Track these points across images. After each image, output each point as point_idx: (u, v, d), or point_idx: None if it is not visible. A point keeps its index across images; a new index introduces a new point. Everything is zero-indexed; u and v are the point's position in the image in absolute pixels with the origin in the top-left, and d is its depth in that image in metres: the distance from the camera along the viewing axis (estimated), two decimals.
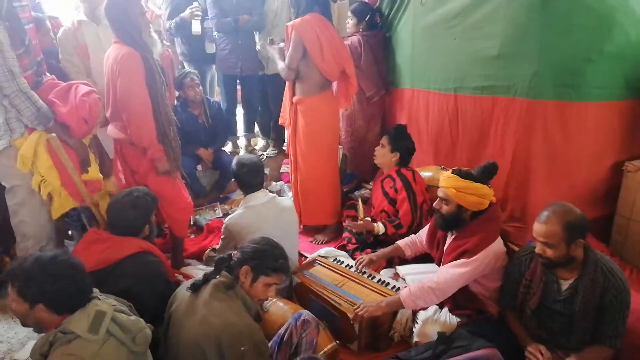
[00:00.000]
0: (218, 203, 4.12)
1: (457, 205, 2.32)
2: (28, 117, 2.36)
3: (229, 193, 4.32)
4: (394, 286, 2.60)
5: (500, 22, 2.78)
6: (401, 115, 3.75)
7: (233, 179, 2.98)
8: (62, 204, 2.61)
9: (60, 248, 2.90)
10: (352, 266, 2.82)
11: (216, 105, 4.23)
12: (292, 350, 2.00)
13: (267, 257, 1.99)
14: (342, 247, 3.24)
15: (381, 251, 2.86)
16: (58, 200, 2.58)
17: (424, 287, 2.28)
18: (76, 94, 2.56)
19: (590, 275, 1.97)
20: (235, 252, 2.06)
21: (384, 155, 3.17)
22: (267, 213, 2.70)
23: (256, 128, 4.96)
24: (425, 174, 3.24)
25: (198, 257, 3.32)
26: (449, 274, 2.29)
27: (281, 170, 4.60)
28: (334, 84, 3.49)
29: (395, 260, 2.92)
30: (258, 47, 4.32)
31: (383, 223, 3.04)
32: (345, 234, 3.30)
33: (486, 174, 2.35)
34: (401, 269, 2.75)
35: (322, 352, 2.05)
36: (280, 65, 3.36)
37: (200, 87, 3.93)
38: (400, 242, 2.86)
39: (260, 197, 2.74)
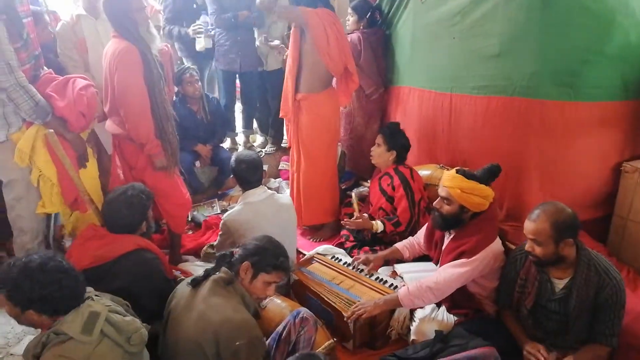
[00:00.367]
0: (216, 199, 4.11)
1: (459, 205, 2.30)
2: (26, 111, 2.34)
3: (227, 189, 4.31)
4: (392, 284, 2.60)
5: (499, 21, 2.78)
6: (397, 113, 3.75)
7: (231, 176, 2.97)
8: (50, 203, 2.58)
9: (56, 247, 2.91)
10: (350, 264, 2.82)
11: (215, 101, 4.22)
12: (290, 347, 2.00)
13: (269, 255, 1.99)
14: (340, 245, 3.24)
15: (379, 253, 2.86)
16: (47, 197, 2.56)
17: (422, 286, 2.28)
18: (74, 88, 2.55)
19: (583, 274, 1.98)
20: (237, 249, 2.06)
21: (380, 155, 3.17)
22: (266, 210, 2.70)
23: (255, 124, 4.95)
24: (424, 172, 3.24)
25: (196, 253, 3.32)
26: (448, 273, 2.28)
27: (280, 167, 4.59)
28: (334, 81, 3.47)
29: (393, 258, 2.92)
30: (257, 43, 4.31)
31: (381, 221, 3.03)
32: (344, 232, 3.30)
33: (490, 176, 2.35)
34: (399, 267, 2.75)
35: (319, 349, 2.05)
36: None
37: (199, 83, 3.93)
38: (399, 245, 2.86)
39: (258, 193, 2.74)
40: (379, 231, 3.02)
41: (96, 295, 1.75)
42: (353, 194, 3.30)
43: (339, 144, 3.90)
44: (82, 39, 3.01)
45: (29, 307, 1.59)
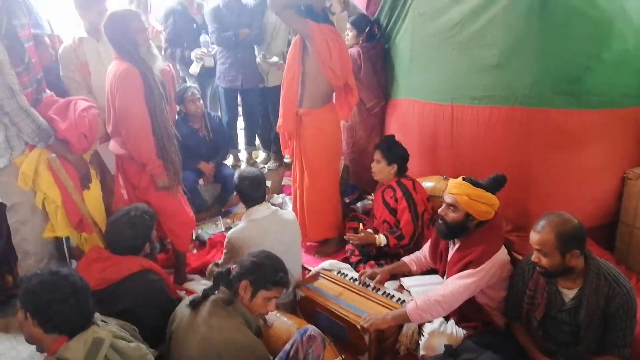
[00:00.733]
0: (220, 217, 4.10)
1: (465, 213, 2.29)
2: (28, 134, 2.35)
3: (231, 206, 4.31)
4: (399, 299, 2.57)
5: (499, 31, 2.79)
6: (398, 126, 3.75)
7: (235, 193, 2.96)
8: (56, 227, 2.58)
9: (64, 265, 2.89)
10: (356, 279, 2.80)
11: (217, 119, 4.24)
12: None
13: (267, 271, 1.97)
14: (346, 260, 3.22)
15: (385, 267, 2.84)
16: (54, 220, 2.57)
17: (430, 300, 2.25)
18: (75, 110, 2.56)
19: (592, 285, 1.96)
20: (234, 266, 2.04)
21: (381, 170, 3.16)
22: (270, 226, 2.69)
23: (257, 141, 4.96)
24: (428, 184, 3.22)
25: (201, 272, 3.29)
26: (456, 285, 2.26)
27: (283, 183, 4.59)
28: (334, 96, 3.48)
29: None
30: (258, 60, 4.34)
31: (385, 235, 3.02)
32: (349, 246, 3.28)
33: (495, 185, 2.34)
34: (406, 281, 2.73)
35: None
36: None
37: (201, 102, 3.95)
38: (406, 259, 2.84)
39: (262, 210, 2.73)
40: (382, 245, 3.00)
41: (102, 321, 1.73)
42: (360, 223, 3.28)
43: (342, 157, 3.90)
44: (84, 62, 3.03)
45: (42, 320, 1.57)
